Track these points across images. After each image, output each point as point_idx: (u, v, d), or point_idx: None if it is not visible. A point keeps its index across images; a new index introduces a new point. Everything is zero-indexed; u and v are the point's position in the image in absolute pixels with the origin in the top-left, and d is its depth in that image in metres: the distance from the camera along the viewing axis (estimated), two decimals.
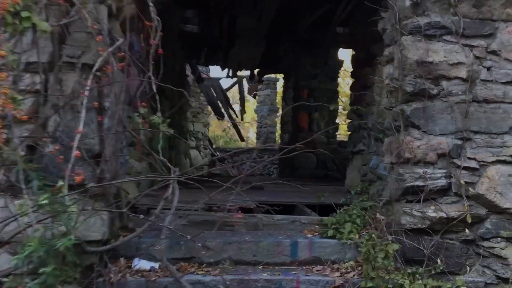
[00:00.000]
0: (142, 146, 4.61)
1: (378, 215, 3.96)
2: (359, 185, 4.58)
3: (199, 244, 3.67)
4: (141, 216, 3.83)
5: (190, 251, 3.68)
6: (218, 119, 15.09)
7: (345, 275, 3.55)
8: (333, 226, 3.94)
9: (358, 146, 6.30)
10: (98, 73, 3.36)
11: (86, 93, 3.22)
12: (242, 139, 15.48)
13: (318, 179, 10.22)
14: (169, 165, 3.85)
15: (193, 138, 15.30)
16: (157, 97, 3.80)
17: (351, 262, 3.70)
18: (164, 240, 3.40)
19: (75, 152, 3.12)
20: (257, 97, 22.36)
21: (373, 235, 3.69)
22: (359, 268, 3.63)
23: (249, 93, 15.03)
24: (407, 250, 3.66)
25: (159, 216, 4.03)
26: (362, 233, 3.90)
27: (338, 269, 3.65)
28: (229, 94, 16.03)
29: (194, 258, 3.69)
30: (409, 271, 3.46)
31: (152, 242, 3.66)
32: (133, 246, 3.61)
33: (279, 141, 15.00)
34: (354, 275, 3.55)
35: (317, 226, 4.16)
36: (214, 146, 19.39)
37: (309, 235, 3.98)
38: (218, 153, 17.94)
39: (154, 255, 3.61)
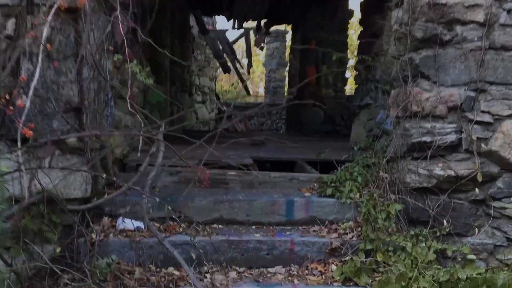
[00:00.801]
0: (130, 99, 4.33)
1: (381, 173, 3.69)
2: (363, 141, 4.29)
3: (189, 203, 3.46)
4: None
5: (179, 210, 3.47)
6: (224, 72, 14.67)
7: (343, 236, 3.32)
8: (333, 185, 3.69)
9: (365, 100, 5.96)
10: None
11: (45, 32, 2.89)
12: (248, 93, 15.10)
13: (325, 134, 9.93)
14: (154, 119, 3.55)
15: (199, 93, 14.97)
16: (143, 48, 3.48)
17: (350, 223, 3.47)
18: (146, 198, 3.16)
19: (19, 102, 2.81)
20: (265, 50, 21.78)
21: (374, 194, 3.45)
22: (359, 229, 3.40)
23: (256, 45, 14.51)
24: (411, 210, 3.41)
25: (147, 174, 3.82)
26: (364, 192, 3.65)
27: (336, 230, 3.42)
28: (235, 47, 15.53)
29: (184, 217, 3.48)
30: (412, 232, 3.22)
31: (138, 200, 3.44)
32: (118, 205, 3.40)
33: (287, 96, 14.61)
34: (353, 237, 3.32)
35: (316, 184, 3.91)
36: (221, 101, 19.12)
37: (306, 194, 3.74)
38: (225, 108, 17.65)
39: (142, 214, 3.41)
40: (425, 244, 3.16)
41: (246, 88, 14.35)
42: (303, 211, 3.56)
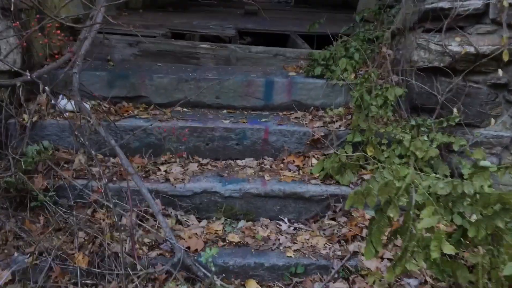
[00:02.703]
0: None
1: (383, 49, 3.01)
2: (367, 10, 3.51)
3: (147, 81, 2.88)
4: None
5: (135, 88, 2.89)
6: None
7: (329, 126, 2.76)
8: (323, 62, 3.03)
9: None
10: None
11: None
12: None
13: (336, 7, 8.92)
14: None
15: None
16: None
17: (340, 109, 2.88)
18: (77, 69, 2.55)
19: None
20: None
21: (372, 74, 2.80)
22: (349, 117, 2.82)
23: None
24: (416, 96, 2.80)
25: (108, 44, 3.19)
26: (360, 73, 3.01)
27: (321, 118, 2.85)
28: None
29: (141, 97, 2.91)
30: (413, 122, 2.63)
31: (90, 75, 2.86)
32: (60, 81, 2.81)
33: None
34: (340, 126, 2.75)
35: (304, 62, 3.26)
36: None
37: (291, 73, 3.10)
38: None
39: (90, 92, 2.85)
40: (428, 137, 2.59)
41: None
42: (284, 93, 2.96)
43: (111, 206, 2.12)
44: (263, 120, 2.81)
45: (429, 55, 2.73)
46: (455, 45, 2.61)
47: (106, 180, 2.22)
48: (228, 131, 2.69)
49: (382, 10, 3.39)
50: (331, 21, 5.17)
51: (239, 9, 6.13)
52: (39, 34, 2.78)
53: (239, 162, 2.70)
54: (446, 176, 2.27)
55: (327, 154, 2.65)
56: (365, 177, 2.53)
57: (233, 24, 4.39)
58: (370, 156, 2.56)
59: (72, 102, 2.61)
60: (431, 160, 2.58)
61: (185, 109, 2.93)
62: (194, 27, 3.97)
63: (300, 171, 2.59)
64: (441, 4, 2.61)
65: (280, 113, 2.95)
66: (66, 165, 2.49)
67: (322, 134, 2.69)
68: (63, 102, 2.71)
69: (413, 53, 2.79)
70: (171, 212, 2.38)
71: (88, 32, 2.72)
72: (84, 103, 2.56)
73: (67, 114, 2.64)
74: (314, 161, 2.64)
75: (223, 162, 2.70)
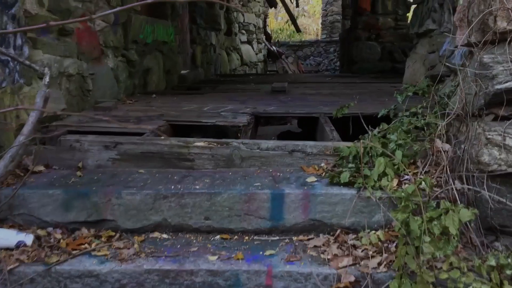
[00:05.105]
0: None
1: (438, 142, 2.15)
2: (411, 88, 2.66)
3: (113, 199, 2.15)
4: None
5: (98, 210, 2.17)
6: (270, 6, 12.89)
7: (362, 263, 1.87)
8: (352, 166, 2.20)
9: (425, 25, 4.19)
10: None
11: None
12: (298, 30, 13.25)
13: (383, 73, 8.17)
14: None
15: (244, 31, 13.37)
16: None
17: (379, 234, 2.00)
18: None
19: None
20: None
21: (423, 182, 1.94)
22: (393, 246, 1.93)
23: None
24: (492, 213, 1.89)
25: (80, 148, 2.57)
26: (406, 178, 2.14)
27: (351, 248, 1.97)
28: None
29: (106, 222, 2.18)
30: (493, 262, 1.70)
31: (41, 195, 2.19)
32: (2, 203, 2.15)
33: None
34: (379, 264, 1.86)
35: (330, 160, 2.44)
36: (272, 40, 17.30)
37: (311, 178, 2.28)
38: (274, 48, 15.91)
39: (41, 218, 2.17)
40: None
41: (294, 23, 12.51)
42: (299, 210, 2.13)
43: None
44: (267, 253, 1.97)
45: (506, 155, 1.85)
46: None
47: None
48: (214, 275, 1.87)
49: (433, 87, 2.56)
50: (373, 95, 4.39)
51: (261, 85, 5.53)
52: None
53: None
54: None
55: None
56: None
57: (252, 106, 3.70)
58: None
59: (21, 233, 1.93)
60: None
61: (163, 235, 2.16)
62: (200, 116, 3.29)
63: None
64: None
65: (294, 238, 2.11)
66: None
67: (353, 279, 1.80)
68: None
69: (482, 151, 1.91)
70: None
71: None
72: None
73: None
74: None
75: None
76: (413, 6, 5.15)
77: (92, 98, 3.62)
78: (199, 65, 7.76)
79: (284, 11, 13.51)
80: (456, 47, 3.25)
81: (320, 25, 19.40)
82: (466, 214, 1.72)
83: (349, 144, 2.44)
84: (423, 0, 4.42)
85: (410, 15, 8.82)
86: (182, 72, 6.64)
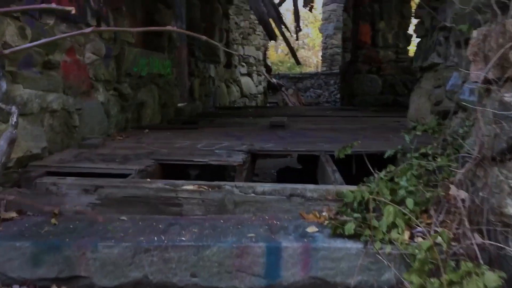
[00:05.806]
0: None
1: (453, 189, 1.92)
2: (420, 126, 2.45)
3: (88, 253, 1.91)
4: None
5: (71, 265, 1.92)
6: (270, 39, 12.85)
7: None
8: (358, 215, 1.97)
9: (430, 58, 4.02)
10: None
11: None
12: (298, 62, 13.16)
13: (384, 107, 8.02)
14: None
15: (244, 64, 13.33)
16: None
17: None
18: None
19: None
20: (320, 13, 19.59)
21: (440, 237, 1.70)
22: None
23: (305, 5, 12.50)
24: None
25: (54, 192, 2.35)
26: (418, 230, 1.90)
27: None
28: (282, 9, 13.65)
29: (79, 279, 1.93)
30: None
31: (7, 247, 1.95)
32: None
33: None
34: None
35: (333, 205, 2.21)
36: (273, 72, 17.27)
37: (311, 228, 2.04)
38: (274, 80, 15.85)
39: (6, 274, 1.92)
40: None
41: (294, 56, 12.44)
42: (298, 266, 1.88)
43: None
44: None
45: None
46: None
47: None
48: None
49: (443, 125, 2.34)
50: (376, 130, 4.21)
51: (260, 119, 5.34)
52: None
53: None
54: None
55: None
56: None
57: (249, 143, 3.48)
58: None
59: None
60: None
61: None
62: (192, 154, 3.07)
63: None
64: None
65: None
66: None
67: None
68: None
69: (505, 201, 1.68)
70: None
71: None
72: None
73: None
74: None
75: None
76: (416, 39, 5.02)
77: (79, 135, 3.41)
78: (197, 97, 7.60)
79: (284, 43, 13.51)
80: (464, 82, 3.05)
81: (320, 58, 19.43)
82: (492, 278, 1.47)
83: (353, 188, 2.21)
84: (427, 34, 4.26)
85: (411, 48, 8.76)
86: (179, 105, 6.47)
